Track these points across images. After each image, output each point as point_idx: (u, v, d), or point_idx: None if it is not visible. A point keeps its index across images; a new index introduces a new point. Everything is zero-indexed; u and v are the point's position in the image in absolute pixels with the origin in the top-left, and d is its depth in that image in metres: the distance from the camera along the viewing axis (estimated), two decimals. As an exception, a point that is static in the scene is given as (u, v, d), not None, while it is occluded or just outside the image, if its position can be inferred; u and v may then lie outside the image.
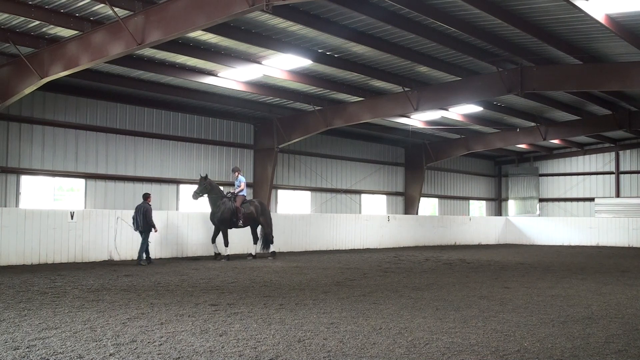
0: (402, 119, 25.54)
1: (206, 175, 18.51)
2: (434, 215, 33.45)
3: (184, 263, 16.94)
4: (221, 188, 19.15)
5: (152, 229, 16.72)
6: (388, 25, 14.99)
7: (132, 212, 17.13)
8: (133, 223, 16.78)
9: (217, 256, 18.15)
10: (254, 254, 19.03)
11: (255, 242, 19.31)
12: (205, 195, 18.25)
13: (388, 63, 18.46)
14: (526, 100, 23.03)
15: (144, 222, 16.52)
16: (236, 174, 19.09)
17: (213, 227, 18.61)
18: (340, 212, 28.03)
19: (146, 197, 17.09)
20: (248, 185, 24.54)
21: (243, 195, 18.75)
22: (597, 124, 26.92)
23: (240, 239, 20.14)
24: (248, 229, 19.42)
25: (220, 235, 18.36)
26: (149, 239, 16.79)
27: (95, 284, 11.71)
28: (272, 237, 19.39)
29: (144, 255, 16.55)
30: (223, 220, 18.16)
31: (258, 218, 19.04)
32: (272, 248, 19.29)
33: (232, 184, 23.95)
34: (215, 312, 8.63)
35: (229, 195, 18.66)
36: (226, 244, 18.25)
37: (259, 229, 19.41)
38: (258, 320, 7.98)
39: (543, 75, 18.72)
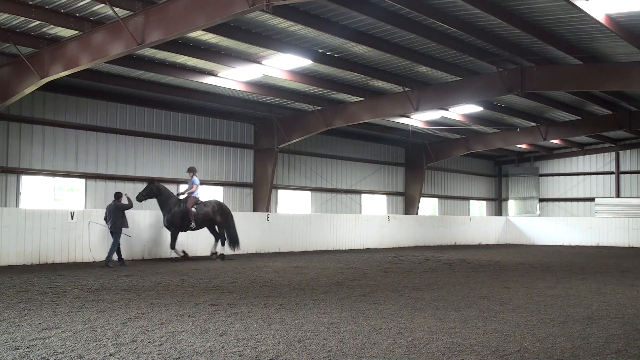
0: (402, 119, 25.53)
1: (153, 180, 18.29)
2: (434, 215, 33.44)
3: (184, 263, 16.94)
4: (171, 190, 18.67)
5: (124, 225, 16.25)
6: (388, 25, 14.99)
7: (130, 213, 16.99)
8: (106, 223, 16.39)
9: (184, 255, 17.85)
10: (214, 251, 18.47)
11: (216, 242, 18.66)
12: (156, 200, 17.89)
13: (388, 63, 18.46)
14: (526, 100, 23.03)
15: (114, 222, 16.08)
16: (191, 174, 18.53)
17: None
18: (340, 212, 28.03)
19: (117, 196, 16.47)
20: (248, 185, 24.58)
21: (195, 197, 18.22)
22: (597, 124, 26.93)
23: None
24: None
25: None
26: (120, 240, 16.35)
27: (95, 284, 11.71)
28: (237, 237, 18.69)
29: (116, 257, 16.13)
30: (172, 223, 17.75)
31: (215, 218, 18.46)
32: (235, 249, 18.74)
33: (230, 184, 24.09)
34: (215, 312, 8.63)
35: (179, 197, 18.20)
36: (173, 246, 17.81)
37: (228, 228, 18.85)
38: (258, 320, 7.98)
39: (543, 75, 18.72)
